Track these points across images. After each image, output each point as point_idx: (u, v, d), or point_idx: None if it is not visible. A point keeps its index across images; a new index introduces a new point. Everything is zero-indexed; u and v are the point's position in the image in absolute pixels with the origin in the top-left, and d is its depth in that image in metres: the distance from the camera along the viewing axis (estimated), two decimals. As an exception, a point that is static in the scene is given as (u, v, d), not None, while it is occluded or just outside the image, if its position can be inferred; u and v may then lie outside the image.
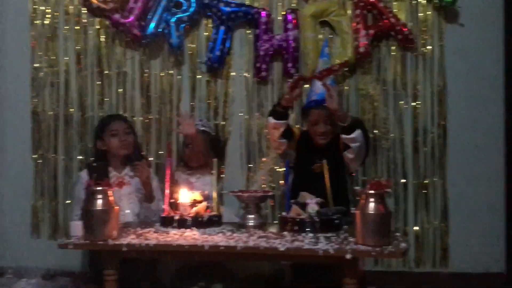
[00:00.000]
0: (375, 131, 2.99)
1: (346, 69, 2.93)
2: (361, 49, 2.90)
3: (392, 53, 2.99)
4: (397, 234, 2.23)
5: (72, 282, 2.99)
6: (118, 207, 2.10)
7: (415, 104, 2.99)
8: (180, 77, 3.11)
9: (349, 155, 2.48)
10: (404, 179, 2.99)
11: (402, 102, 2.99)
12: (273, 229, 2.26)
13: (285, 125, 2.52)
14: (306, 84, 2.70)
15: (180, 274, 2.44)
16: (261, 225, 2.35)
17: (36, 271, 3.02)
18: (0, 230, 3.18)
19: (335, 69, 2.68)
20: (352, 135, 2.40)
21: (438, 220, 2.97)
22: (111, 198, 2.08)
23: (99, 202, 2.05)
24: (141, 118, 3.11)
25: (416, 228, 2.98)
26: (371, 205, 1.95)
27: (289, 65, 2.99)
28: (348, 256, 1.89)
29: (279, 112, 2.50)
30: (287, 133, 2.55)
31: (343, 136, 2.44)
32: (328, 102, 2.43)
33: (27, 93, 3.16)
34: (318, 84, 2.60)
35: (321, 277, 2.59)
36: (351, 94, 3.01)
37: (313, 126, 2.58)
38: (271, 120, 2.52)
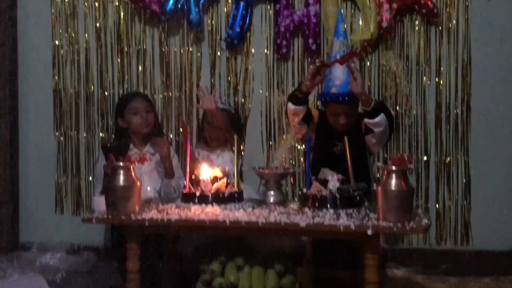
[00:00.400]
0: (397, 108, 2.95)
1: (369, 50, 2.86)
2: (384, 24, 2.84)
3: (415, 28, 2.92)
4: (419, 210, 2.21)
5: (96, 256, 3.05)
6: (140, 183, 2.12)
7: (438, 80, 2.93)
8: (199, 54, 3.09)
9: (372, 139, 2.42)
10: (426, 156, 2.95)
11: (425, 78, 2.94)
12: (294, 206, 2.26)
13: (304, 110, 2.45)
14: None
15: (201, 249, 2.47)
16: (282, 202, 2.35)
17: (61, 246, 3.08)
18: (25, 206, 3.24)
19: (357, 53, 2.60)
20: (375, 120, 2.32)
21: (460, 198, 2.94)
22: (133, 174, 2.10)
23: (122, 178, 2.07)
24: (161, 96, 3.11)
25: (437, 205, 2.95)
26: (393, 181, 1.93)
27: (310, 41, 2.94)
28: (369, 232, 1.89)
29: (299, 97, 2.43)
30: (307, 117, 2.49)
31: (367, 120, 2.37)
32: (352, 86, 2.33)
33: (48, 71, 3.19)
34: (338, 72, 2.41)
35: (341, 254, 2.60)
36: (373, 70, 2.96)
37: (333, 117, 2.48)
38: (291, 106, 2.44)
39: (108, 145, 2.50)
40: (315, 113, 2.60)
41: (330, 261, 2.60)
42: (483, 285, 2.72)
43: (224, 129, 2.73)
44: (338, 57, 2.41)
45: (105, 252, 3.07)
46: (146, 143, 2.75)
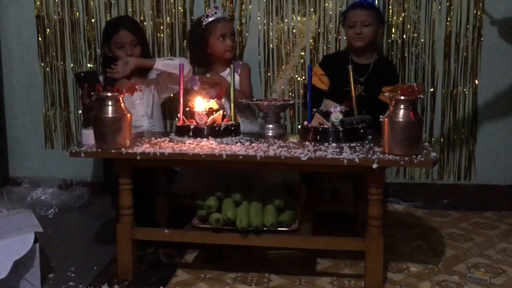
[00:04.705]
0: (404, 36, 2.77)
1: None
2: None
3: None
4: (426, 144, 2.11)
5: (89, 192, 2.98)
6: (130, 114, 1.99)
7: (449, 5, 2.73)
8: (192, -24, 2.87)
9: None
10: (433, 87, 2.81)
11: (435, 3, 2.74)
12: (294, 139, 2.15)
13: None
14: None
15: (196, 185, 2.39)
16: (281, 136, 2.23)
17: (52, 181, 3.01)
18: (14, 141, 3.13)
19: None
20: None
21: (465, 131, 2.83)
22: (122, 105, 1.96)
23: (110, 109, 1.93)
24: (151, 23, 2.91)
25: (442, 139, 2.85)
26: (401, 112, 1.81)
27: (312, -38, 2.72)
28: (374, 166, 1.78)
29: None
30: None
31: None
32: None
33: (30, -4, 2.97)
34: None
35: (340, 187, 2.55)
36: (379, -5, 2.76)
37: (350, 29, 2.48)
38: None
39: (82, 74, 2.31)
40: (325, 81, 2.56)
41: (327, 196, 2.56)
42: (484, 219, 2.68)
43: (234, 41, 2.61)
44: None
45: (98, 187, 3.00)
46: (138, 76, 2.60)
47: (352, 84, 2.15)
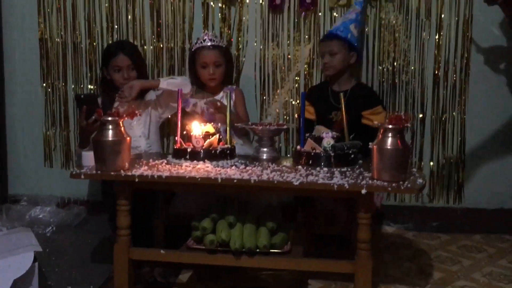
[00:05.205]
0: (395, 64, 2.87)
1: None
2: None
3: (417, -21, 2.81)
4: (414, 169, 2.19)
5: (86, 210, 3.03)
6: (130, 138, 2.06)
7: (438, 35, 2.84)
8: (192, 3, 2.96)
9: None
10: (422, 113, 2.90)
11: (425, 33, 2.84)
12: (287, 163, 2.22)
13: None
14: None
15: (193, 206, 2.45)
16: (275, 159, 2.31)
17: (51, 199, 3.06)
18: (14, 159, 3.19)
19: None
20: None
21: (454, 156, 2.91)
22: (122, 129, 2.04)
23: (110, 132, 2.00)
24: (151, 47, 3.00)
25: (431, 163, 2.93)
26: (389, 139, 1.89)
27: (306, -8, 2.83)
28: (363, 191, 1.86)
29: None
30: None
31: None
32: None
33: (34, 19, 3.06)
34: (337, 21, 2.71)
35: (334, 209, 2.61)
36: (372, 24, 2.86)
37: (321, 61, 2.64)
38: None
39: (82, 96, 2.39)
40: (311, 110, 2.68)
41: (320, 218, 2.62)
42: (472, 242, 2.75)
43: (222, 68, 2.68)
44: (345, 16, 2.67)
45: (95, 205, 3.06)
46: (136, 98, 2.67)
47: (343, 110, 2.23)
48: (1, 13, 3.06)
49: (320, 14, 2.87)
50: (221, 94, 2.72)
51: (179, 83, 2.55)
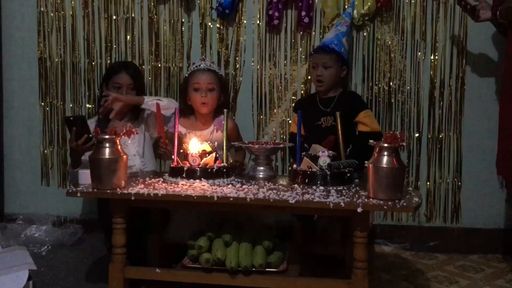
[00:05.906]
0: (391, 84, 2.90)
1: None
2: (381, -3, 2.78)
3: (412, 1, 2.85)
4: (410, 188, 2.19)
5: (82, 229, 3.02)
6: (126, 156, 2.07)
7: (433, 55, 2.87)
8: (190, 23, 3.00)
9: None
10: (418, 133, 2.91)
11: (420, 53, 2.88)
12: (283, 181, 2.23)
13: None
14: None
15: (189, 225, 2.43)
16: (271, 178, 2.31)
17: (47, 218, 3.05)
18: (10, 177, 3.19)
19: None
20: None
21: (451, 176, 2.92)
22: (119, 147, 2.04)
23: (107, 151, 2.01)
24: (149, 66, 3.03)
25: (428, 183, 2.93)
26: (385, 158, 1.90)
27: (303, 13, 2.87)
28: (359, 210, 1.86)
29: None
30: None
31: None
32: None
33: (33, 39, 3.09)
34: (329, 33, 2.72)
35: (329, 229, 2.60)
36: (368, 44, 2.90)
37: (313, 70, 2.67)
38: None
39: (71, 118, 2.42)
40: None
41: (317, 237, 2.61)
42: (469, 262, 2.74)
43: (217, 94, 2.59)
44: (337, 28, 2.70)
45: (90, 223, 3.04)
46: (131, 116, 2.69)
47: (339, 129, 2.24)
48: (1, 32, 3.09)
49: (314, 33, 2.91)
50: (212, 127, 2.63)
51: (164, 105, 2.51)
